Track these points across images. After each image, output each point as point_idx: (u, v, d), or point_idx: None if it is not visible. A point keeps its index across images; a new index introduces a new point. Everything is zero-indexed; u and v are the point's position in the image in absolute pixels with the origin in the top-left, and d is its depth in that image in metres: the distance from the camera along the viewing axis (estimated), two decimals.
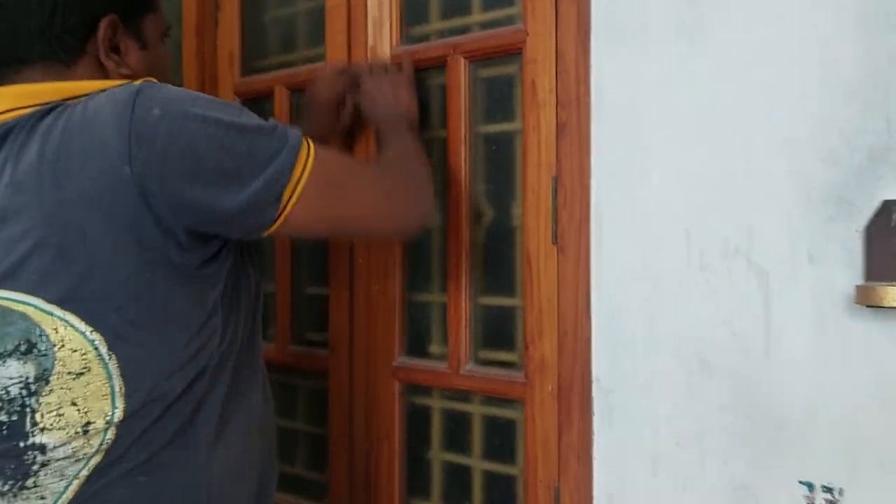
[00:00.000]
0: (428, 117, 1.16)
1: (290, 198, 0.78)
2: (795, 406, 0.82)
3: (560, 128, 1.00)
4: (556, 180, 1.00)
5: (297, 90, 1.32)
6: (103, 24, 0.81)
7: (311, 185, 0.79)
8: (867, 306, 0.76)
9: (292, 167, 0.78)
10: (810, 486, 0.81)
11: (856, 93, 0.78)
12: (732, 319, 0.87)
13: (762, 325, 0.85)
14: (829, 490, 0.80)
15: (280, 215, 0.78)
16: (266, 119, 0.80)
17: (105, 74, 0.82)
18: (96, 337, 0.72)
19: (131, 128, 0.70)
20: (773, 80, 0.84)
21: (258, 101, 1.38)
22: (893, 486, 0.76)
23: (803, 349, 0.82)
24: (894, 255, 0.75)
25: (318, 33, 1.29)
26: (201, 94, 0.78)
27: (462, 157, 1.11)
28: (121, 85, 0.76)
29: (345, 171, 0.89)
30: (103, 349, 0.72)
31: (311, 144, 0.81)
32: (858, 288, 0.76)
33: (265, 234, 0.80)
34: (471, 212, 1.11)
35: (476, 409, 1.12)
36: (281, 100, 1.33)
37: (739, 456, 0.86)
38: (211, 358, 0.79)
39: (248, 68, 1.41)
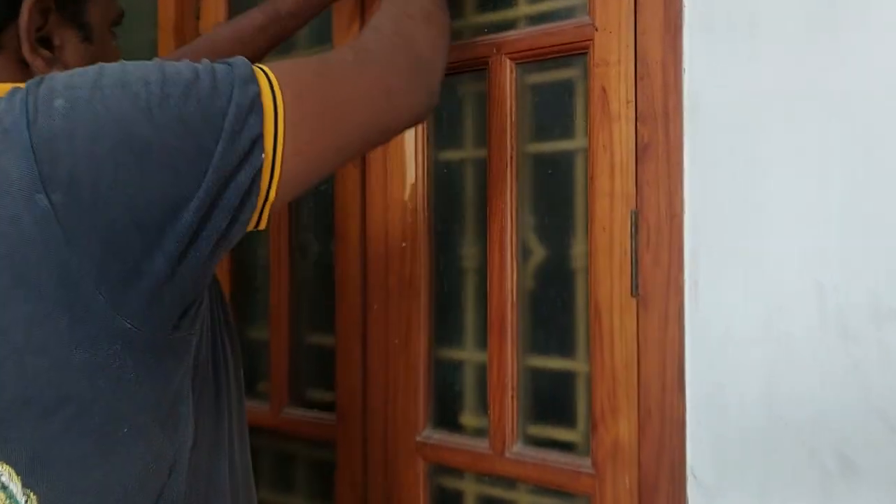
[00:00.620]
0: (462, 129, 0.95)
1: (276, 152, 0.54)
2: None
3: (641, 148, 0.78)
4: (637, 215, 0.78)
5: None
6: (27, 7, 0.58)
7: (295, 122, 0.56)
8: None
9: (261, 112, 0.54)
10: None
11: None
12: (888, 407, 0.65)
13: None
14: None
15: (272, 179, 0.54)
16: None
17: (30, 77, 0.57)
18: (3, 470, 0.48)
19: (32, 138, 0.47)
20: None
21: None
22: None
23: None
24: None
25: (324, 29, 1.06)
26: (105, 64, 0.54)
27: (507, 183, 0.89)
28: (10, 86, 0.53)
29: (325, 82, 0.61)
30: (15, 487, 0.48)
31: (266, 70, 0.57)
32: None
33: (265, 212, 0.56)
34: (518, 249, 0.89)
35: (522, 499, 0.90)
36: None
37: None
38: (178, 470, 0.56)
39: None
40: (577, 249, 0.86)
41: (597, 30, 0.81)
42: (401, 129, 0.72)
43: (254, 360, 1.14)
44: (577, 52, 0.84)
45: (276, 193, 0.55)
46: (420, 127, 0.95)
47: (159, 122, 0.50)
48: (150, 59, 1.31)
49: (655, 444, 0.77)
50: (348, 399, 1.01)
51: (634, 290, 0.79)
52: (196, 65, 0.54)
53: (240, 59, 0.57)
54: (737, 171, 0.73)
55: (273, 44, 0.96)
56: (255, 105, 0.53)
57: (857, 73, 0.67)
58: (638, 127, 0.79)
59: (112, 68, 0.52)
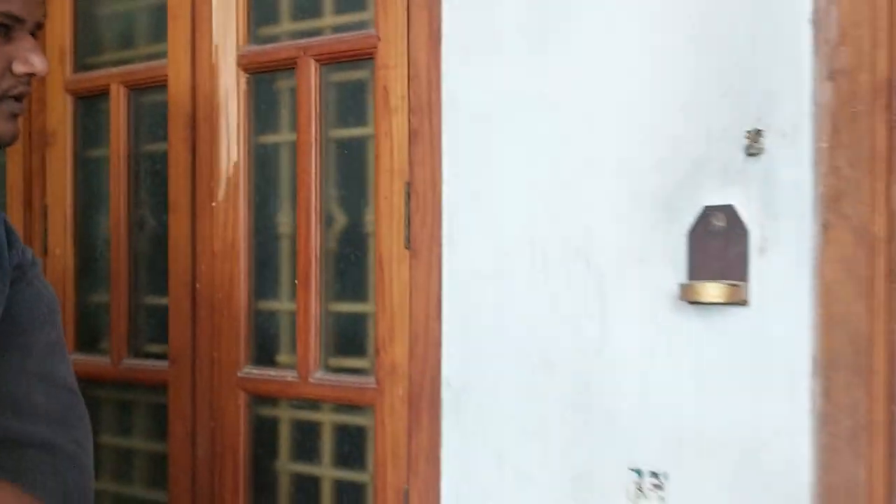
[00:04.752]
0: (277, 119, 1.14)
1: None
2: (626, 398, 0.88)
3: (412, 134, 1.01)
4: (409, 186, 1.01)
5: (137, 89, 1.25)
6: None
7: None
8: (689, 302, 0.83)
9: None
10: (639, 473, 0.86)
11: (681, 105, 0.86)
12: (571, 318, 0.91)
13: (598, 323, 0.90)
14: (655, 475, 0.86)
15: None
16: None
17: None
18: None
19: None
20: (611, 92, 0.90)
21: (92, 100, 1.30)
22: (711, 468, 0.83)
23: (633, 344, 0.88)
24: (712, 255, 0.82)
25: (159, 30, 1.22)
26: None
27: (312, 162, 1.09)
28: None
29: None
30: None
31: None
32: (682, 286, 0.83)
33: None
34: (322, 217, 1.10)
35: (326, 418, 1.10)
36: (118, 99, 1.25)
37: (578, 447, 0.90)
38: None
39: (80, 65, 1.31)
40: (369, 216, 1.08)
41: (379, 40, 1.04)
42: None
43: (98, 320, 1.28)
44: (365, 57, 1.06)
45: None
46: (242, 114, 1.14)
47: None
48: None
49: (421, 361, 1.00)
50: (179, 347, 1.17)
51: (407, 244, 1.01)
52: None
53: None
54: (480, 153, 0.97)
55: None
56: None
57: (559, 83, 0.93)
58: (410, 118, 1.02)
59: None
